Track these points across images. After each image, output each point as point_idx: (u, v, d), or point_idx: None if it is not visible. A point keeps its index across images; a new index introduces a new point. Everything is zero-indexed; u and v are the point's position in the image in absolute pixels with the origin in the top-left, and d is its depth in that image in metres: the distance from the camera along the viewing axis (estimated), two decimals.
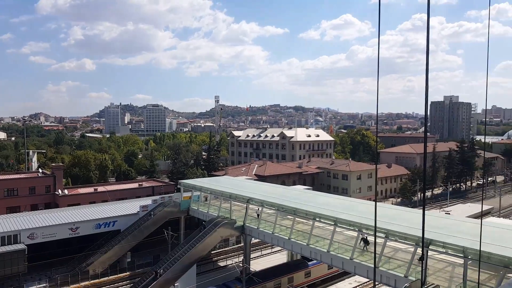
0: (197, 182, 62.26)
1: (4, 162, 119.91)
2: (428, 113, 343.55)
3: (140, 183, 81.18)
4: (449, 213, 61.01)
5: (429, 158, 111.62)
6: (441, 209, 74.20)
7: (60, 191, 67.63)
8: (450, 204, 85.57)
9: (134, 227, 53.29)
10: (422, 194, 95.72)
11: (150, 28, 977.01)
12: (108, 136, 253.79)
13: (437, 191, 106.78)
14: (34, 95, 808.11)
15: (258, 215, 44.73)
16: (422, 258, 29.27)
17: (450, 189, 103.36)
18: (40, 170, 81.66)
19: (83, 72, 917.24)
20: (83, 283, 47.42)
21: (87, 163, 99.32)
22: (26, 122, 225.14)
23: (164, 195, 61.65)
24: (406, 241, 29.77)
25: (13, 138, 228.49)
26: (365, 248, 33.50)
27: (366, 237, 33.14)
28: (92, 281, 48.07)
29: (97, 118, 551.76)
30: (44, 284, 46.33)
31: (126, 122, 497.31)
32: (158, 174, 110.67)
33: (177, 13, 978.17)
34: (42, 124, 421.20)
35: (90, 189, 74.06)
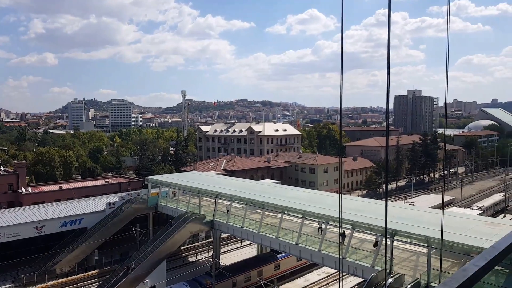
0: (165, 178, 61.67)
1: None
2: (392, 106, 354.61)
3: (106, 180, 79.55)
4: (413, 204, 63.72)
5: (393, 151, 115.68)
6: (406, 201, 77.05)
7: (23, 189, 65.36)
8: (414, 196, 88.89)
9: (101, 225, 52.31)
10: (385, 186, 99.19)
11: (114, 22, 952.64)
12: (72, 132, 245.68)
13: (401, 183, 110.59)
14: None
15: (228, 210, 44.89)
16: (376, 245, 31.50)
17: (414, 180, 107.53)
18: (2, 168, 78.28)
19: (45, 66, 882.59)
20: (50, 283, 46.18)
21: (51, 160, 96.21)
22: None
23: (131, 192, 60.75)
24: (372, 232, 30.82)
25: None
26: (342, 242, 33.80)
27: (344, 231, 33.66)
28: (59, 280, 46.91)
29: (60, 114, 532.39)
30: (10, 285, 44.86)
31: (90, 118, 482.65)
32: (124, 170, 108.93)
33: (141, 6, 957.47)
34: (3, 120, 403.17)
35: (55, 187, 71.78)
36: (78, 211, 54.07)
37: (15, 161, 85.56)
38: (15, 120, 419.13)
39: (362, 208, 35.04)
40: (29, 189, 67.29)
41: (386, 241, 23.92)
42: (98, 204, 57.57)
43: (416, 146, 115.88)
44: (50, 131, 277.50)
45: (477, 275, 2.17)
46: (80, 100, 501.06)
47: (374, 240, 31.14)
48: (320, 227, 35.97)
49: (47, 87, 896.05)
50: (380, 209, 35.38)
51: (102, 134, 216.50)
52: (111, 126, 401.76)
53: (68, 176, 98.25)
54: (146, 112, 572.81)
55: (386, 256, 27.91)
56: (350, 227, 31.37)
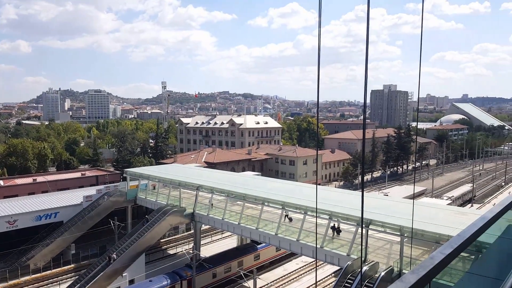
0: (144, 170, 61.14)
1: None
2: (368, 101, 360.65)
3: (83, 173, 78.19)
4: (387, 195, 65.27)
5: (369, 143, 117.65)
6: (380, 191, 78.85)
7: None
8: (388, 186, 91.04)
9: (78, 218, 51.50)
10: (361, 177, 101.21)
11: (91, 9, 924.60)
12: (47, 123, 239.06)
13: (376, 174, 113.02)
14: None
15: (211, 204, 44.85)
16: (334, 228, 33.50)
17: (388, 172, 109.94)
18: None
19: (18, 54, 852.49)
20: (23, 278, 45.28)
21: (24, 152, 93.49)
22: None
23: (109, 185, 59.83)
24: (348, 222, 31.58)
25: None
26: (335, 235, 34.57)
27: (335, 225, 34.11)
28: (33, 276, 46.06)
29: (34, 104, 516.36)
30: None
31: (66, 109, 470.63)
32: (102, 163, 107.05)
33: None
34: None
35: (29, 180, 69.93)
36: (53, 204, 52.96)
37: None
38: None
39: (339, 198, 35.81)
40: (1, 182, 65.48)
41: (362, 230, 24.60)
42: (74, 197, 56.58)
43: (390, 139, 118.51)
44: (24, 122, 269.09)
45: (443, 262, 2.34)
46: (55, 90, 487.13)
47: (353, 230, 31.89)
48: (286, 215, 38.17)
49: (20, 76, 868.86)
50: (356, 199, 36.25)
51: (78, 125, 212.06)
52: (88, 117, 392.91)
53: (42, 169, 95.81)
54: (125, 103, 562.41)
55: (362, 245, 28.74)
56: (327, 217, 32.07)
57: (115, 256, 41.39)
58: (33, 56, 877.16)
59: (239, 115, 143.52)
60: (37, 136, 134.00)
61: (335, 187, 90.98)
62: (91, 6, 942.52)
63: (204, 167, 73.93)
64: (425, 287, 2.09)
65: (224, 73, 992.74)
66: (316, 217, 25.02)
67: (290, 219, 38.35)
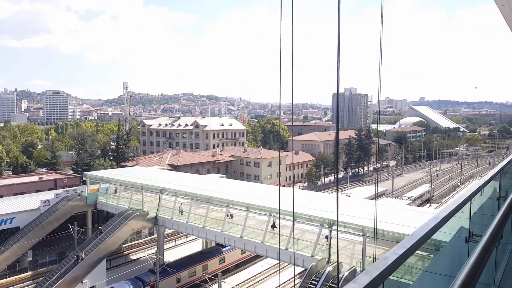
0: (105, 173, 59.43)
1: None
2: (330, 103, 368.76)
3: (40, 176, 74.95)
4: (349, 196, 66.80)
5: (331, 145, 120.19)
6: (342, 192, 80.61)
7: None
8: (350, 187, 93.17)
9: (35, 224, 49.24)
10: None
11: (49, 8, 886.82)
12: (2, 125, 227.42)
13: (339, 175, 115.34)
14: None
15: (181, 210, 43.81)
16: (274, 226, 34.45)
17: (350, 173, 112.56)
18: None
19: None
20: None
21: None
22: None
23: (68, 189, 57.75)
24: (312, 223, 32.07)
25: None
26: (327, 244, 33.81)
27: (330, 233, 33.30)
28: None
29: None
30: None
31: (22, 110, 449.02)
32: (60, 166, 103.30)
33: None
34: None
35: None
36: (8, 209, 50.35)
37: None
38: None
39: (302, 200, 36.29)
40: None
41: (337, 232, 25.08)
42: (31, 201, 54.03)
43: (352, 140, 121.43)
44: None
45: (396, 262, 2.40)
46: (11, 91, 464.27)
47: (316, 231, 32.35)
48: (274, 223, 36.00)
49: None
50: (319, 201, 36.98)
51: (35, 127, 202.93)
52: (45, 119, 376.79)
53: None
54: (85, 105, 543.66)
55: (330, 247, 29.25)
56: (291, 218, 32.42)
57: (83, 255, 40.07)
58: None
59: (204, 117, 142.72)
60: None
61: (299, 188, 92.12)
62: (49, 4, 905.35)
63: (167, 169, 72.85)
64: (378, 287, 2.14)
65: (188, 72, 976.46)
66: (280, 218, 25.31)
67: (273, 227, 36.13)
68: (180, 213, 43.75)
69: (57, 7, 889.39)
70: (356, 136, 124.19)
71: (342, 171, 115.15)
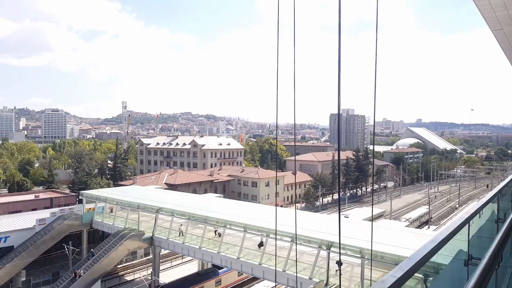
0: (101, 192, 59.11)
1: None
2: (327, 124, 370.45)
3: (36, 195, 74.44)
4: (347, 217, 66.39)
5: (329, 165, 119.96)
6: (340, 213, 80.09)
7: None
8: (348, 208, 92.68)
9: (29, 243, 48.59)
10: (321, 200, 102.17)
11: (51, 27, 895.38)
12: (0, 142, 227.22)
13: (336, 196, 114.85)
14: None
15: (181, 232, 43.11)
16: (261, 245, 35.05)
17: (348, 194, 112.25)
18: None
19: None
20: None
21: None
22: None
23: (64, 207, 57.31)
24: (310, 244, 31.72)
25: None
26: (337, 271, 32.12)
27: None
28: None
29: None
30: None
31: (21, 128, 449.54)
32: (57, 184, 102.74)
33: (81, 13, 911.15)
34: None
35: None
36: (3, 228, 49.79)
37: None
38: None
39: (300, 220, 35.98)
40: None
41: (340, 255, 24.71)
42: (26, 220, 53.49)
43: (349, 161, 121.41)
44: None
45: (395, 285, 2.32)
46: (10, 109, 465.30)
47: (314, 253, 31.91)
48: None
49: None
50: (317, 222, 36.71)
51: (33, 145, 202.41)
52: (44, 137, 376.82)
53: None
54: (83, 123, 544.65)
55: (328, 269, 28.83)
56: (289, 239, 32.09)
57: (82, 272, 39.42)
58: None
59: (202, 136, 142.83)
60: None
61: (297, 209, 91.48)
62: (51, 24, 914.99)
63: (165, 189, 72.47)
64: None
65: (187, 93, 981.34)
66: (276, 239, 25.07)
67: (261, 245, 36.60)
68: (180, 234, 43.12)
69: (59, 26, 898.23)
70: (353, 157, 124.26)
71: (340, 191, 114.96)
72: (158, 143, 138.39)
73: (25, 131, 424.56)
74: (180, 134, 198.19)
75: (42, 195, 73.79)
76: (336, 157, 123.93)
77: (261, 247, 36.12)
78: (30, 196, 73.27)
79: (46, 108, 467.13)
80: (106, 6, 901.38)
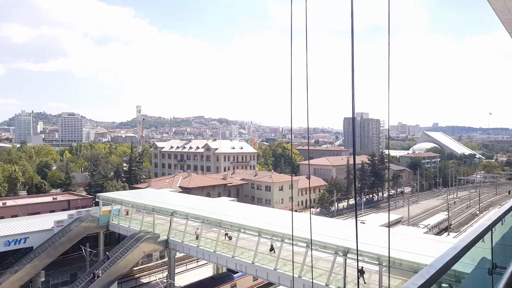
0: (117, 195, 59.93)
1: None
2: (341, 128, 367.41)
3: (54, 197, 75.75)
4: (364, 223, 65.62)
5: (344, 169, 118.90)
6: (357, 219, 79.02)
7: None
8: (364, 214, 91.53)
9: (48, 244, 49.54)
10: (336, 206, 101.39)
11: (67, 34, 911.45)
12: (18, 146, 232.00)
13: (352, 201, 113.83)
14: None
15: (197, 236, 43.17)
16: (272, 249, 35.09)
17: (364, 199, 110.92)
18: None
19: None
20: None
21: None
22: None
23: (81, 209, 58.25)
24: (325, 250, 31.52)
25: None
26: (361, 279, 32.07)
27: (362, 267, 31.44)
28: None
29: (6, 127, 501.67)
30: None
31: (39, 131, 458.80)
32: (74, 187, 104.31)
33: (96, 19, 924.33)
34: None
35: None
36: (23, 229, 50.92)
37: None
38: None
39: (315, 225, 35.85)
40: None
41: (357, 262, 24.23)
42: (45, 222, 54.52)
43: (365, 166, 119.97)
44: None
45: None
46: (28, 113, 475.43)
47: (330, 259, 31.71)
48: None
49: None
50: (332, 227, 36.50)
51: (51, 148, 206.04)
52: (61, 141, 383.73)
53: (13, 192, 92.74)
54: (99, 127, 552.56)
55: (345, 276, 28.59)
56: (304, 245, 31.97)
57: (100, 272, 40.03)
58: (5, 78, 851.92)
59: (215, 140, 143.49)
60: (8, 159, 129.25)
61: (312, 214, 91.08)
62: (66, 30, 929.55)
63: (179, 192, 73.01)
64: None
65: (200, 96, 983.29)
66: (293, 244, 24.91)
67: (272, 249, 36.94)
68: (196, 238, 43.29)
69: (74, 32, 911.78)
70: (369, 162, 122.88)
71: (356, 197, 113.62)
72: (171, 147, 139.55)
73: (43, 135, 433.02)
74: (193, 138, 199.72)
75: (59, 197, 75.04)
76: (351, 162, 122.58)
77: (272, 252, 36.30)
78: (48, 198, 74.63)
79: (63, 112, 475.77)
80: (120, 12, 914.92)
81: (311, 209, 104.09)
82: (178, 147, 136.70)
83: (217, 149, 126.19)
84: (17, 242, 48.95)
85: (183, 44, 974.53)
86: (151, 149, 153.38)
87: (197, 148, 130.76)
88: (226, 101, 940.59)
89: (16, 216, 60.50)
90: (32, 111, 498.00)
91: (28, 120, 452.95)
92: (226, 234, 41.34)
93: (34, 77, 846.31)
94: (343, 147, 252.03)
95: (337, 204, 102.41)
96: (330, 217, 75.37)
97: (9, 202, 67.95)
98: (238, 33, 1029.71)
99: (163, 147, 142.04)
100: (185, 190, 79.16)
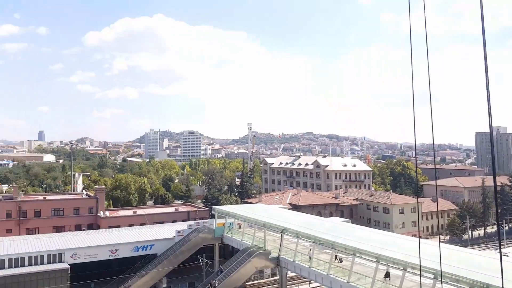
0: (231, 208, 61.92)
1: (52, 183, 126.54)
2: (473, 144, 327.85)
3: (176, 208, 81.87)
4: (507, 255, 56.24)
5: (477, 192, 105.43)
6: (497, 251, 68.27)
7: (102, 213, 69.40)
8: (507, 245, 78.58)
9: (170, 252, 53.23)
10: (470, 233, 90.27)
11: (187, 59, 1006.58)
12: (147, 160, 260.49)
13: (490, 229, 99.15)
14: (81, 120, 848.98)
15: (310, 257, 41.61)
16: (387, 275, 32.64)
17: (507, 227, 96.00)
18: (84, 192, 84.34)
19: (126, 99, 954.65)
20: None
21: (127, 186, 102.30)
22: (73, 146, 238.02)
23: (198, 221, 61.78)
24: (458, 284, 27.41)
25: (61, 161, 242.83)
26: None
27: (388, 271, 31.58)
28: None
29: (137, 144, 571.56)
30: None
31: (164, 148, 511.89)
32: (193, 199, 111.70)
33: (212, 45, 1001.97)
34: (88, 148, 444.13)
35: (130, 212, 75.39)
36: (149, 237, 55.81)
37: (96, 186, 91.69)
38: (98, 148, 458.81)
39: (445, 255, 31.64)
40: (107, 213, 71.14)
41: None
42: (167, 231, 58.94)
43: (505, 188, 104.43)
44: (128, 159, 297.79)
45: None
46: (155, 131, 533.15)
47: None
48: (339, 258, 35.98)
49: (127, 118, 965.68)
50: (465, 258, 31.80)
51: (174, 163, 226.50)
52: (182, 156, 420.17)
53: (142, 202, 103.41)
54: (214, 143, 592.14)
55: None
56: (431, 275, 28.38)
57: (216, 282, 41.59)
58: (138, 101, 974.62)
59: (324, 156, 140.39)
60: (138, 172, 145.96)
61: (441, 241, 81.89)
62: (186, 57, 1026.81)
63: (288, 209, 72.50)
64: None
65: (308, 112, 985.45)
66: (421, 275, 21.87)
67: (387, 276, 34.44)
68: (310, 259, 41.67)
69: (193, 58, 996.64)
70: (510, 184, 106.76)
71: (494, 224, 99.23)
72: (281, 163, 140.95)
73: (168, 151, 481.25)
74: (302, 154, 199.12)
75: (180, 208, 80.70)
76: (486, 183, 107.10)
77: (387, 278, 33.78)
78: (171, 209, 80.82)
79: (184, 130, 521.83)
80: (234, 36, 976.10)
81: (440, 236, 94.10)
82: (287, 163, 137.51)
83: (327, 166, 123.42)
84: (144, 249, 53.71)
85: (291, 61, 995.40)
86: (261, 165, 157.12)
87: (306, 164, 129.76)
88: (336, 116, 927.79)
89: (144, 224, 66.64)
90: (159, 129, 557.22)
91: (155, 137, 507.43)
92: (336, 256, 39.29)
93: (160, 99, 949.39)
94: (475, 166, 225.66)
95: (471, 232, 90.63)
96: (462, 246, 66.79)
97: (139, 211, 75.38)
98: (345, 49, 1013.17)
99: (273, 163, 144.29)
100: (295, 207, 78.40)
